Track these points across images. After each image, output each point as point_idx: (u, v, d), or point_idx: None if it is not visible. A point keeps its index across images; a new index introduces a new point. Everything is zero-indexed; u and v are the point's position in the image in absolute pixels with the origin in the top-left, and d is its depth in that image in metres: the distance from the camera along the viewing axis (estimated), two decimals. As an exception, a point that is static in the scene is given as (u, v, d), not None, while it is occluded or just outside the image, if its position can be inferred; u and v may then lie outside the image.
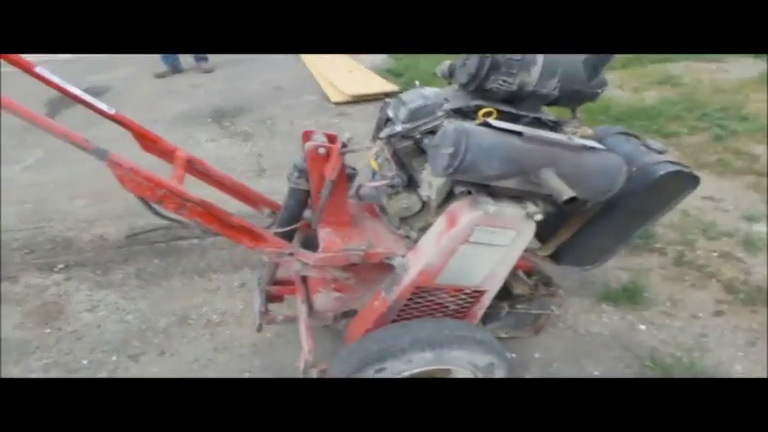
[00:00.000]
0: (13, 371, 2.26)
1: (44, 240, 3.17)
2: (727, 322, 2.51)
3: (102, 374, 2.24)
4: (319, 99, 5.54)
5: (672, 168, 1.77)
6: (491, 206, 1.53)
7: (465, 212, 1.58)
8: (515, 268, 2.06)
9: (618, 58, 6.10)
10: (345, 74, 5.98)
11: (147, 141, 1.87)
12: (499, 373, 1.78)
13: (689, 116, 4.63)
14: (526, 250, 2.10)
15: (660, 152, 1.88)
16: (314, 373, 1.86)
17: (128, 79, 6.26)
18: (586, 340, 2.43)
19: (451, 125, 1.47)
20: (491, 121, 1.52)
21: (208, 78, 6.31)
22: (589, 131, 1.79)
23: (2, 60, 1.53)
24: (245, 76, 6.39)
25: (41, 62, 1.60)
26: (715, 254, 2.97)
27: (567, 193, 1.41)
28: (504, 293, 2.18)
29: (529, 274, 2.18)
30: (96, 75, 6.35)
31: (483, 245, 1.63)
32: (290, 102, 5.43)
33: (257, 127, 4.84)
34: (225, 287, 2.76)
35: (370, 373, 1.63)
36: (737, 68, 5.88)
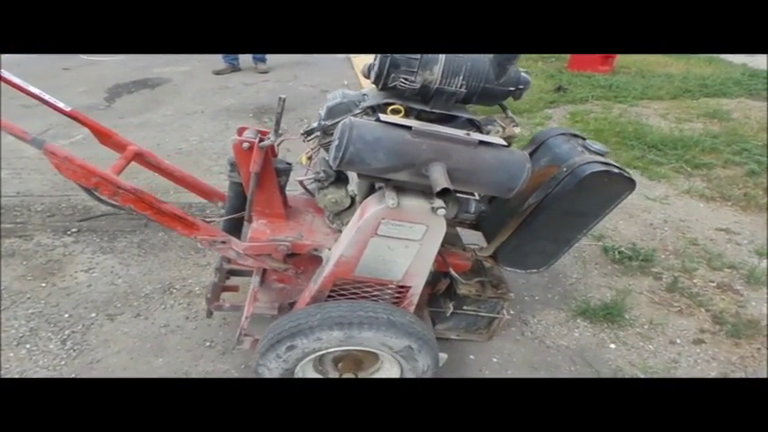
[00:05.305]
0: None
1: (66, 207, 3.39)
2: (705, 352, 2.39)
3: (79, 327, 2.38)
4: (358, 104, 5.66)
5: (599, 168, 1.73)
6: (391, 200, 1.52)
7: (371, 206, 1.60)
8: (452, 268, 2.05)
9: (667, 89, 5.92)
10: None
11: (103, 136, 2.01)
12: (422, 359, 1.77)
13: (727, 150, 4.44)
14: (468, 250, 2.11)
15: (599, 153, 1.84)
16: (246, 342, 1.94)
17: (188, 73, 6.56)
18: (551, 351, 2.37)
19: (344, 120, 1.48)
20: (382, 116, 1.52)
21: (262, 78, 6.57)
22: (516, 131, 1.76)
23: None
24: (297, 78, 6.62)
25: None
26: (713, 284, 2.83)
27: (440, 184, 1.38)
28: (452, 293, 2.17)
29: (476, 273, 2.14)
30: (161, 68, 6.68)
31: (394, 239, 1.63)
32: (331, 105, 5.58)
33: (293, 125, 4.98)
34: (215, 264, 2.86)
35: (282, 350, 1.68)
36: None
